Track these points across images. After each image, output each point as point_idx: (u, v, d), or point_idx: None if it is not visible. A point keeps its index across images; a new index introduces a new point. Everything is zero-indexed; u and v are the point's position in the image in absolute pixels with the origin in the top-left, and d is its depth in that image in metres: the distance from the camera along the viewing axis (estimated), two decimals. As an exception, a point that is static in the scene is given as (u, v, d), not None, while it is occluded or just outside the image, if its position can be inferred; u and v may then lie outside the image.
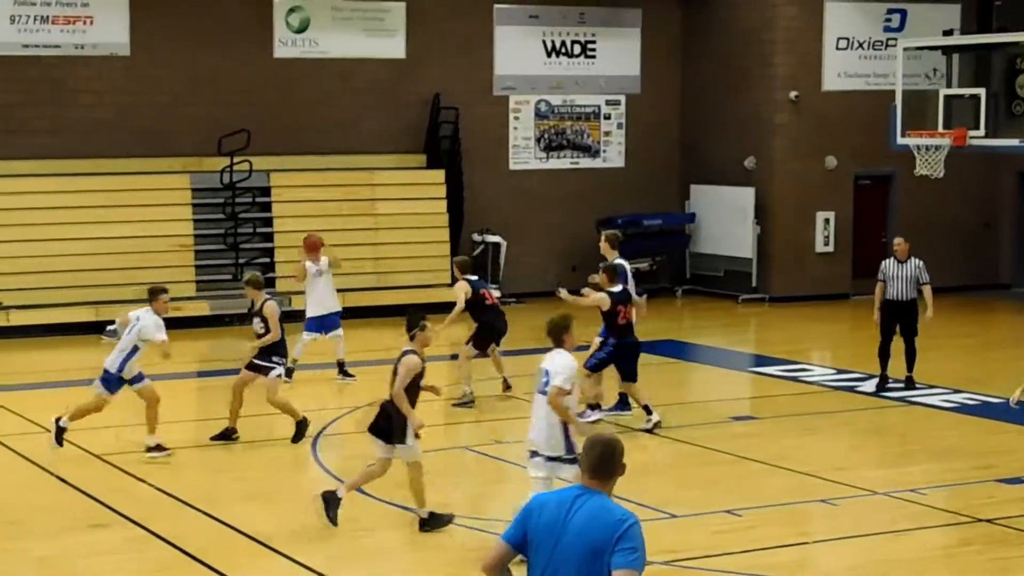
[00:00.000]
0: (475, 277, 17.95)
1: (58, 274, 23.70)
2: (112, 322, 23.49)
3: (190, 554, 11.52)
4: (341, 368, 19.20)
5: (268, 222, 25.82)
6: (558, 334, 11.32)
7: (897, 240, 18.83)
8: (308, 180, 26.03)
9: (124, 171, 24.98)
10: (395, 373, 11.98)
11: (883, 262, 18.74)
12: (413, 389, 11.98)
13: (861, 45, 28.03)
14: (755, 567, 11.08)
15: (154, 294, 15.25)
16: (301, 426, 15.63)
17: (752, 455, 15.03)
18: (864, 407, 17.59)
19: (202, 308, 24.49)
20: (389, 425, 11.94)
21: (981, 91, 23.62)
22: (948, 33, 26.60)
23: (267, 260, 25.57)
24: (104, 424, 16.70)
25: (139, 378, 15.20)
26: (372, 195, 26.45)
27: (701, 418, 16.70)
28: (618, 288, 15.99)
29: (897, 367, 18.60)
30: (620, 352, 16.06)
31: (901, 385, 18.54)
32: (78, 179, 24.58)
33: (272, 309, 15.54)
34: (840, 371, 20.15)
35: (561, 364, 11.10)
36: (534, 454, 11.15)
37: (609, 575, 6.05)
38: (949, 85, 25.37)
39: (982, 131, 23.29)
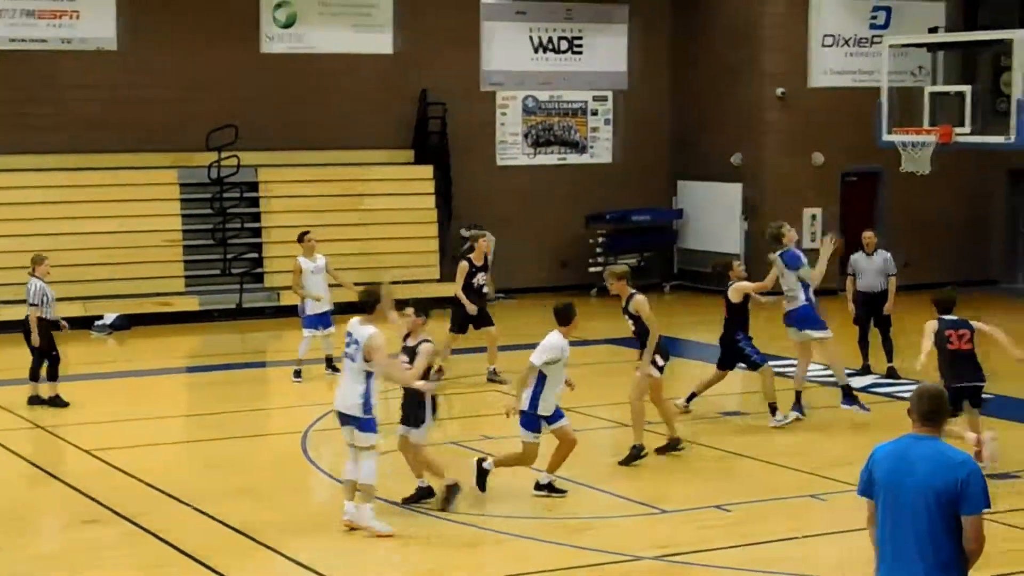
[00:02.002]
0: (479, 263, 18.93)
1: (46, 269, 23.61)
2: (101, 317, 23.58)
3: (182, 550, 11.54)
4: (329, 363, 19.27)
5: (256, 217, 25.83)
6: None
7: (866, 233, 19.43)
8: (296, 175, 26.03)
9: (112, 166, 24.96)
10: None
11: (852, 256, 19.35)
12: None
13: (847, 42, 28.09)
14: (743, 562, 11.14)
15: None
16: (672, 443, 14.89)
17: (741, 450, 15.11)
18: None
19: (191, 303, 24.49)
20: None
21: (967, 88, 23.73)
22: (933, 30, 26.73)
23: (255, 255, 25.58)
24: (94, 420, 16.75)
25: (557, 416, 13.13)
26: (360, 190, 26.46)
27: (691, 414, 16.75)
28: None
29: (881, 361, 18.91)
30: None
31: (886, 379, 18.68)
32: (65, 174, 24.55)
33: (643, 304, 14.45)
34: (828, 367, 20.15)
35: None
36: None
37: (955, 517, 6.84)
38: (935, 82, 25.53)
39: (968, 128, 23.40)
